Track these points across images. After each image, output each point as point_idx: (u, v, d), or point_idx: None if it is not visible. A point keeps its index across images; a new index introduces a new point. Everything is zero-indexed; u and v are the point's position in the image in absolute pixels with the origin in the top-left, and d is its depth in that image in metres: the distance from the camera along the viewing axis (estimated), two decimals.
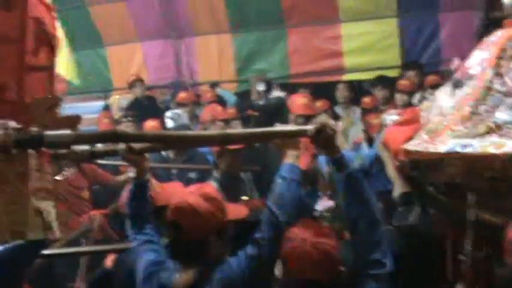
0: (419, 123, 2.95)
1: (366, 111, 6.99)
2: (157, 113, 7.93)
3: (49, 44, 2.68)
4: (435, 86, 6.65)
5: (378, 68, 8.13)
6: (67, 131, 2.44)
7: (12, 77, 2.46)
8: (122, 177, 5.85)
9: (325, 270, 2.41)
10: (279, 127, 3.06)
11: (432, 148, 2.65)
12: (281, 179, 2.70)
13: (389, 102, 7.23)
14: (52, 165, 2.65)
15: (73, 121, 2.52)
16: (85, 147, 2.91)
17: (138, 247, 2.91)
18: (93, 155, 2.91)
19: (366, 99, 7.33)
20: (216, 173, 4.64)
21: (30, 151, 2.44)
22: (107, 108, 9.04)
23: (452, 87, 2.92)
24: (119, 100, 9.12)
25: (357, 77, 8.35)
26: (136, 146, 2.89)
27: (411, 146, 2.75)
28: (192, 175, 5.92)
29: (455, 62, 6.21)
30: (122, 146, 2.90)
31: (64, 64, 9.15)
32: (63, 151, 2.74)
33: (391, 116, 3.24)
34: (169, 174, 5.91)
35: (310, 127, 2.64)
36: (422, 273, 2.73)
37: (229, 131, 3.07)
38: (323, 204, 3.25)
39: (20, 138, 2.38)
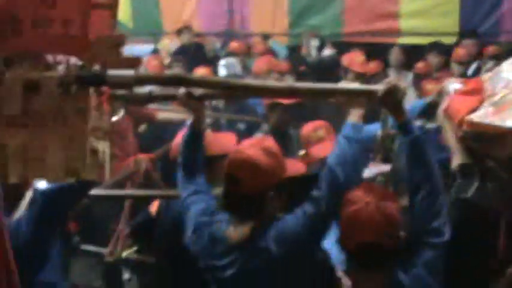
0: (484, 94, 2.87)
1: (418, 77, 6.84)
2: (205, 60, 7.88)
3: None
4: (495, 57, 6.54)
5: (434, 34, 7.94)
6: (130, 71, 2.41)
7: (76, 12, 2.41)
8: (165, 114, 5.82)
9: (388, 234, 2.37)
10: (347, 84, 2.97)
11: (498, 121, 2.58)
12: (344, 138, 2.61)
13: (443, 69, 7.09)
14: (110, 106, 2.65)
15: (133, 63, 2.48)
16: (144, 89, 2.88)
17: (187, 196, 2.87)
18: (151, 98, 2.87)
19: (420, 65, 7.19)
20: (265, 126, 4.60)
21: (91, 89, 2.43)
22: (156, 52, 9.00)
23: None
24: (169, 45, 9.08)
25: (412, 40, 8.21)
26: (196, 92, 2.83)
27: (476, 117, 2.67)
28: (241, 126, 5.87)
29: None
30: (181, 90, 2.83)
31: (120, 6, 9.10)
32: (122, 92, 2.72)
33: (453, 85, 3.13)
34: (218, 123, 5.88)
35: (379, 87, 2.55)
36: (475, 249, 2.68)
37: (296, 83, 2.98)
38: (376, 167, 3.18)
39: (82, 75, 2.35)
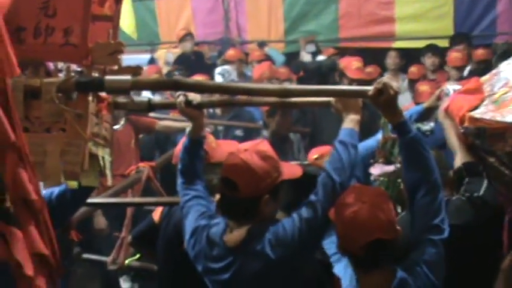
0: (483, 94, 2.88)
1: (412, 81, 6.84)
2: (205, 68, 7.89)
3: None
4: (484, 61, 6.57)
5: (429, 37, 7.95)
6: (127, 76, 2.42)
7: (77, 22, 2.43)
8: (165, 122, 5.82)
9: (390, 229, 2.38)
10: (339, 86, 2.97)
11: (499, 117, 2.60)
12: (340, 144, 2.62)
13: (438, 71, 7.09)
14: (110, 114, 2.65)
15: (134, 71, 2.50)
16: (143, 98, 2.87)
17: (187, 202, 2.86)
18: (150, 107, 2.87)
19: (413, 69, 7.16)
20: (265, 132, 4.59)
21: (90, 95, 2.44)
22: (153, 61, 9.04)
23: None
24: (166, 54, 9.10)
25: (408, 45, 8.20)
26: (196, 99, 2.81)
27: (477, 113, 2.69)
28: (238, 132, 5.89)
29: None
30: (180, 99, 2.82)
31: (124, 17, 9.12)
32: (122, 100, 2.72)
33: (453, 86, 3.17)
34: (215, 130, 5.88)
35: (371, 87, 2.56)
36: (488, 246, 2.67)
37: (289, 86, 2.99)
38: (379, 168, 3.18)
39: (81, 81, 2.39)
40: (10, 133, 1.98)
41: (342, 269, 2.65)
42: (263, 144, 2.68)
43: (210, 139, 3.27)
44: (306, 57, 8.01)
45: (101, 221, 5.57)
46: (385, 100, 2.50)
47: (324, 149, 3.44)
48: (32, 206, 2.06)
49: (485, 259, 2.70)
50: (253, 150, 2.60)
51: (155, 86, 2.71)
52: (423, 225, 2.48)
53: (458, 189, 2.90)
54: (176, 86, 2.64)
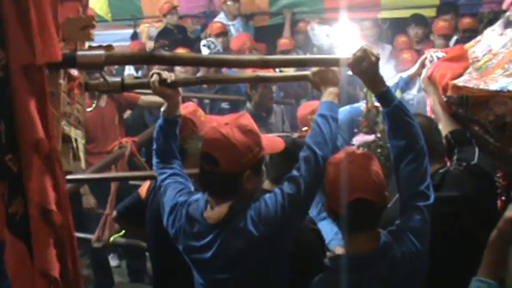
0: (468, 61, 2.85)
1: (398, 50, 6.78)
2: (188, 43, 7.82)
3: None
4: (469, 30, 6.52)
5: (415, 7, 7.85)
6: (100, 51, 2.35)
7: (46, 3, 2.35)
8: (149, 97, 5.73)
9: (375, 191, 2.37)
10: (317, 55, 2.92)
11: (483, 85, 2.57)
12: (320, 117, 2.58)
13: (424, 41, 7.03)
14: (82, 95, 2.58)
15: (106, 50, 2.44)
16: (116, 78, 2.79)
17: (163, 180, 2.83)
18: (123, 87, 2.79)
19: (400, 38, 7.09)
20: (248, 104, 4.55)
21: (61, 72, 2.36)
22: (135, 36, 8.95)
23: (504, 27, 2.81)
24: (148, 29, 8.99)
25: (394, 14, 8.10)
26: (170, 78, 2.76)
27: (460, 82, 2.65)
28: (225, 105, 5.84)
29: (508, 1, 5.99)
30: (154, 78, 2.76)
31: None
32: (94, 82, 2.64)
33: (437, 53, 3.12)
34: (201, 103, 5.81)
35: (350, 55, 2.50)
36: (488, 215, 2.65)
37: (267, 56, 2.92)
38: (358, 139, 3.16)
39: None
40: (38, 130, 1.92)
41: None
42: (244, 118, 2.62)
43: (199, 112, 3.21)
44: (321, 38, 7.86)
45: (90, 200, 5.54)
46: (366, 68, 2.46)
47: (316, 103, 3.40)
48: (50, 219, 2.00)
49: (486, 230, 2.68)
50: (234, 124, 2.52)
51: (129, 60, 2.64)
52: (409, 192, 2.47)
53: (449, 158, 2.87)
54: (151, 59, 2.56)
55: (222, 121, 2.59)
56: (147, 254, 4.83)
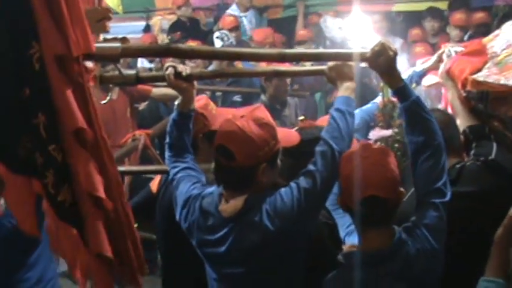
0: (486, 56, 2.82)
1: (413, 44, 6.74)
2: (201, 35, 7.80)
3: None
4: (482, 25, 6.46)
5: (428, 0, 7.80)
6: (117, 44, 2.33)
7: None
8: (161, 90, 5.71)
9: (390, 188, 2.35)
10: (335, 50, 2.89)
11: (503, 80, 2.56)
12: (337, 112, 2.57)
13: (439, 34, 6.97)
14: (96, 88, 2.57)
15: (121, 42, 2.43)
16: (131, 71, 2.78)
17: (176, 174, 2.81)
18: (138, 79, 2.77)
19: (414, 31, 7.06)
20: (263, 97, 4.54)
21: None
22: (148, 29, 8.93)
23: None
24: (161, 21, 8.97)
25: (408, 7, 8.05)
26: (185, 71, 2.74)
27: (480, 77, 2.62)
28: (237, 98, 5.83)
29: None
30: (169, 71, 2.74)
31: None
32: (108, 74, 2.62)
33: (455, 47, 3.09)
34: (213, 96, 5.80)
35: (368, 50, 2.49)
36: (505, 212, 2.63)
37: (285, 50, 2.90)
38: (375, 133, 3.14)
39: None
40: (77, 119, 1.93)
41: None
42: (260, 110, 2.60)
43: (211, 105, 3.17)
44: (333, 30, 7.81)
45: None
46: (384, 62, 2.46)
47: None
48: (99, 205, 2.03)
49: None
50: (250, 117, 2.51)
51: (146, 53, 2.62)
52: (425, 188, 2.46)
53: (466, 153, 2.84)
54: (168, 52, 2.54)
55: (238, 114, 2.58)
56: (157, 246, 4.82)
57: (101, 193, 2.02)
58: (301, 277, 2.56)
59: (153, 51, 2.57)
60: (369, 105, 3.55)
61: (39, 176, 2.03)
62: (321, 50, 2.61)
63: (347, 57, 2.64)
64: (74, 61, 2.01)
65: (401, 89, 2.48)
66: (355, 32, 4.06)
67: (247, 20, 8.24)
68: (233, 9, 8.29)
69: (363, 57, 2.51)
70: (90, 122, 2.02)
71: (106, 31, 2.39)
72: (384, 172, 2.35)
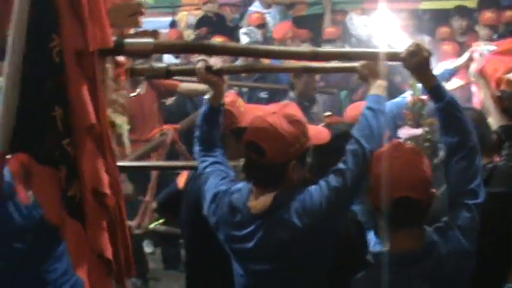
0: None
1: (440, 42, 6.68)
2: (227, 31, 7.81)
3: None
4: (511, 24, 6.39)
5: None
6: (149, 39, 2.32)
7: None
8: (188, 85, 5.67)
9: (422, 189, 2.32)
10: (369, 49, 2.87)
11: None
12: (368, 110, 2.55)
13: (467, 32, 6.91)
14: (127, 81, 2.58)
15: (151, 35, 2.40)
16: (161, 64, 2.78)
17: (205, 168, 2.80)
18: (168, 73, 2.77)
19: (443, 29, 7.00)
20: (291, 93, 4.54)
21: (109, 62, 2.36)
22: (174, 24, 8.95)
23: None
24: (187, 17, 8.99)
25: (435, 5, 8.00)
26: (216, 65, 2.74)
27: None
28: (263, 94, 5.83)
29: None
30: (200, 65, 2.73)
31: None
32: (139, 67, 2.63)
33: (487, 46, 3.06)
34: (240, 92, 5.79)
35: (402, 50, 2.47)
36: None
37: (318, 49, 2.89)
38: (405, 132, 3.11)
39: None
40: (91, 115, 1.93)
41: None
42: (291, 107, 2.59)
43: (239, 102, 3.16)
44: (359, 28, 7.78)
45: (127, 187, 5.56)
46: (419, 62, 2.44)
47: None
48: (103, 202, 2.03)
49: None
50: (281, 113, 2.50)
51: (178, 49, 2.61)
52: (459, 189, 2.42)
53: (498, 153, 2.81)
54: (202, 48, 2.53)
55: (269, 110, 2.57)
56: (181, 241, 4.84)
57: (107, 189, 2.02)
58: (328, 276, 2.54)
59: (186, 47, 2.55)
60: (398, 99, 3.54)
61: (56, 168, 2.04)
62: (353, 49, 2.59)
63: (382, 56, 2.62)
64: (90, 56, 2.01)
65: (435, 89, 2.46)
66: (381, 29, 4.04)
67: (271, 17, 8.24)
68: (256, 6, 8.29)
69: (398, 57, 2.50)
70: (98, 118, 2.02)
71: (138, 26, 2.39)
72: (417, 172, 2.32)
